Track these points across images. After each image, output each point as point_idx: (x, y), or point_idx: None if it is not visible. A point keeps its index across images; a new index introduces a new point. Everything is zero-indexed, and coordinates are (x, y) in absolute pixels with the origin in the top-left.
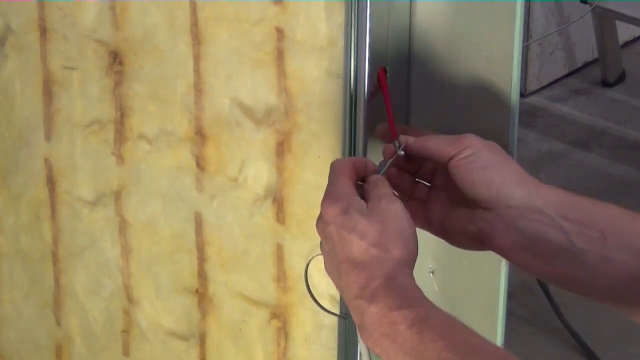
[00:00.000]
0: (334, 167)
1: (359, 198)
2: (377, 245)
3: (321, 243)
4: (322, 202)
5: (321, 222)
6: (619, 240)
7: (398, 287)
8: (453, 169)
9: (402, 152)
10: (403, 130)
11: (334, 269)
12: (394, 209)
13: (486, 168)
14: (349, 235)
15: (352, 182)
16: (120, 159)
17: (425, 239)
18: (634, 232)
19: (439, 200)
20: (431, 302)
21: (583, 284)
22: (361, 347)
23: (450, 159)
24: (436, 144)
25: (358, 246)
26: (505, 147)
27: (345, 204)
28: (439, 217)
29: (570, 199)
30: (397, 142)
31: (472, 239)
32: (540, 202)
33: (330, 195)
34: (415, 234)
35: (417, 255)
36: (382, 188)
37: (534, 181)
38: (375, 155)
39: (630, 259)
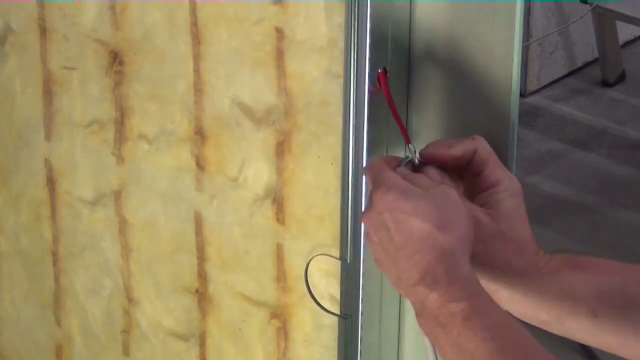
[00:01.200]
0: (372, 166)
1: (412, 184)
2: (440, 227)
3: (368, 236)
4: (374, 193)
5: (372, 212)
6: (609, 318)
7: (459, 274)
8: (477, 157)
9: (418, 158)
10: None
11: (389, 257)
12: (452, 193)
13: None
14: (409, 219)
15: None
16: (120, 158)
17: None
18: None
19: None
20: (488, 296)
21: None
22: (426, 341)
23: (475, 150)
24: (457, 148)
25: (420, 229)
26: (505, 147)
27: (402, 189)
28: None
29: (562, 275)
30: (411, 147)
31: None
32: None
33: (381, 185)
34: (471, 218)
35: (472, 239)
36: (435, 174)
37: (538, 251)
38: (372, 155)
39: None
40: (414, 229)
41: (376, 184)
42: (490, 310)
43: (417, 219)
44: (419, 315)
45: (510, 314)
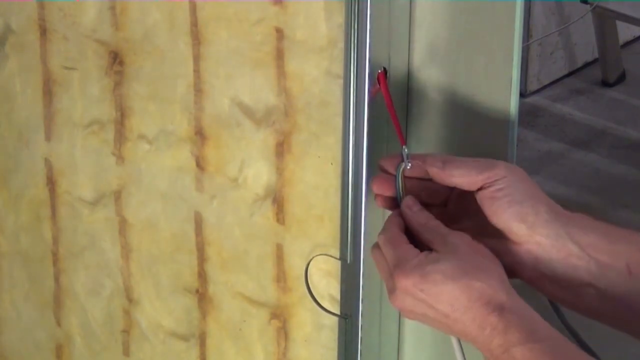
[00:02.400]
0: (383, 240)
1: (426, 252)
2: (474, 277)
3: (407, 312)
4: (394, 278)
5: (402, 295)
6: None
7: (512, 316)
8: (484, 200)
9: (409, 164)
10: (422, 158)
11: (441, 324)
12: (463, 239)
13: (522, 203)
14: (443, 286)
15: (407, 241)
16: (120, 159)
17: None
18: None
19: (462, 229)
20: (552, 330)
21: (610, 317)
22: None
23: (480, 189)
24: (463, 172)
25: (457, 288)
26: (505, 147)
27: (418, 267)
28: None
29: (598, 229)
30: (404, 148)
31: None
32: (569, 236)
33: (398, 267)
34: (489, 253)
35: (503, 269)
36: (436, 227)
37: (563, 213)
38: (376, 157)
39: None
40: (453, 292)
41: (392, 263)
42: (557, 348)
43: (450, 282)
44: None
45: (577, 348)
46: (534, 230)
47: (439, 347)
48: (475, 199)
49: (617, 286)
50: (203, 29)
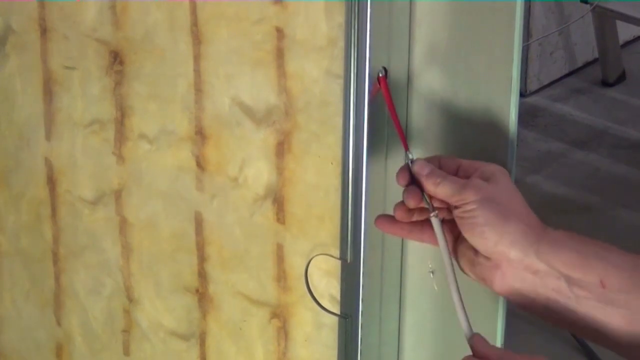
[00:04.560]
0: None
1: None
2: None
3: None
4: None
5: None
6: (617, 288)
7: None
8: (456, 219)
9: (412, 157)
10: (421, 165)
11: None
12: None
13: (485, 226)
14: None
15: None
16: (120, 158)
17: None
18: (633, 278)
19: (454, 227)
20: None
21: (587, 332)
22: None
23: (455, 208)
24: (443, 191)
25: None
26: (505, 147)
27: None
28: (452, 242)
29: (570, 246)
30: (408, 153)
31: (475, 277)
32: (537, 255)
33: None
34: None
35: None
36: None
37: (534, 232)
38: (376, 156)
39: (628, 307)
40: None
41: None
42: None
43: None
44: None
45: None
46: (497, 249)
47: (439, 346)
48: None
49: (590, 300)
50: (203, 29)
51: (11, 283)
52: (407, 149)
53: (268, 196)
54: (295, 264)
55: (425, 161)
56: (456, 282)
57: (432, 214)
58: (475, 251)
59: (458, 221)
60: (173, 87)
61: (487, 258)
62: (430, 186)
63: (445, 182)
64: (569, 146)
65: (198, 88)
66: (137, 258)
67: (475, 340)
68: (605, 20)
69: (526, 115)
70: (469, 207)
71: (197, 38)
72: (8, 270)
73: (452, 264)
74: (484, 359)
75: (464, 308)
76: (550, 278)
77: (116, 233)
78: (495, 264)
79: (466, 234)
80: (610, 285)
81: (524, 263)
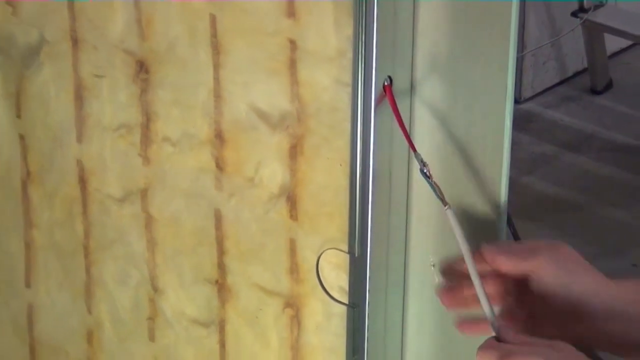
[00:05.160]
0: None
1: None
2: None
3: None
4: None
5: None
6: None
7: None
8: (534, 285)
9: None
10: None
11: None
12: (563, 344)
13: (570, 285)
14: None
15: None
16: (146, 160)
17: (425, 231)
18: None
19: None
20: None
21: None
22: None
23: (528, 275)
24: (507, 261)
25: None
26: (501, 149)
27: None
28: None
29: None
30: (418, 155)
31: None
32: (618, 302)
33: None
34: None
35: None
36: (528, 347)
37: (608, 283)
38: (382, 158)
39: None
40: None
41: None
42: None
43: None
44: None
45: None
46: (583, 307)
47: (440, 333)
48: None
49: None
50: (222, 40)
51: (46, 275)
52: (414, 150)
53: (282, 195)
54: (307, 257)
55: (508, 328)
56: (475, 269)
57: (445, 208)
58: (560, 320)
59: (539, 288)
60: (194, 94)
61: (575, 322)
62: (495, 257)
63: (507, 249)
64: (560, 149)
65: (217, 95)
66: (162, 251)
67: (499, 324)
68: (594, 33)
69: (521, 120)
70: (548, 269)
71: (216, 49)
72: (43, 263)
73: (470, 252)
74: (508, 342)
75: (485, 293)
76: (632, 323)
77: (142, 228)
78: (583, 325)
79: (551, 298)
80: None
81: (609, 312)
